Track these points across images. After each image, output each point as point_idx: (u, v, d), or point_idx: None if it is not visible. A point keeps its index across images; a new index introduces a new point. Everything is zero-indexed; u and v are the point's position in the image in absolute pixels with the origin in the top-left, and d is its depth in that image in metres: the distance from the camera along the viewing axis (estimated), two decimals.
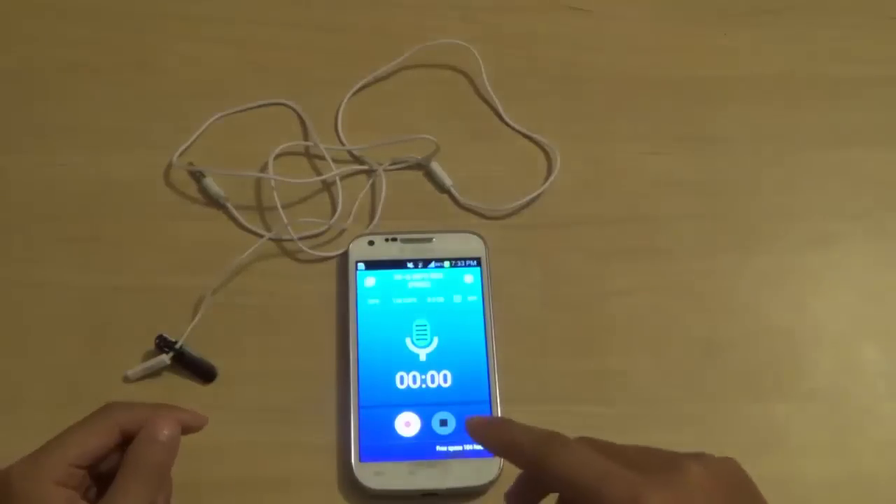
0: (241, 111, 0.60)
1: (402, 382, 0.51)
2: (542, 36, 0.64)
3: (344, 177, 0.58)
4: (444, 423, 0.50)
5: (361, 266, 0.54)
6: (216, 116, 0.59)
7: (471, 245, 0.55)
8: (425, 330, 0.53)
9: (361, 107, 0.61)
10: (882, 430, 0.53)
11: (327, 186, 0.58)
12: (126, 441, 0.43)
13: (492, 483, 0.49)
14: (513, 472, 0.49)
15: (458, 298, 0.54)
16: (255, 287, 0.54)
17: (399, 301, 0.53)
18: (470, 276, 0.54)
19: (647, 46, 0.64)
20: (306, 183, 0.57)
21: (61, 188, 0.57)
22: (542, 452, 0.36)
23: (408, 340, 0.52)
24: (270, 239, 0.55)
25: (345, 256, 0.55)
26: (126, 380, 0.51)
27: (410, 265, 0.54)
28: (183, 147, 0.58)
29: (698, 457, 0.36)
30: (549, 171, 0.59)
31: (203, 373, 0.52)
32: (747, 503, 0.36)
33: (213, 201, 0.57)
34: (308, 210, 0.57)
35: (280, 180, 0.56)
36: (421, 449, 0.50)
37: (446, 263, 0.54)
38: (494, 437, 0.38)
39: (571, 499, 0.36)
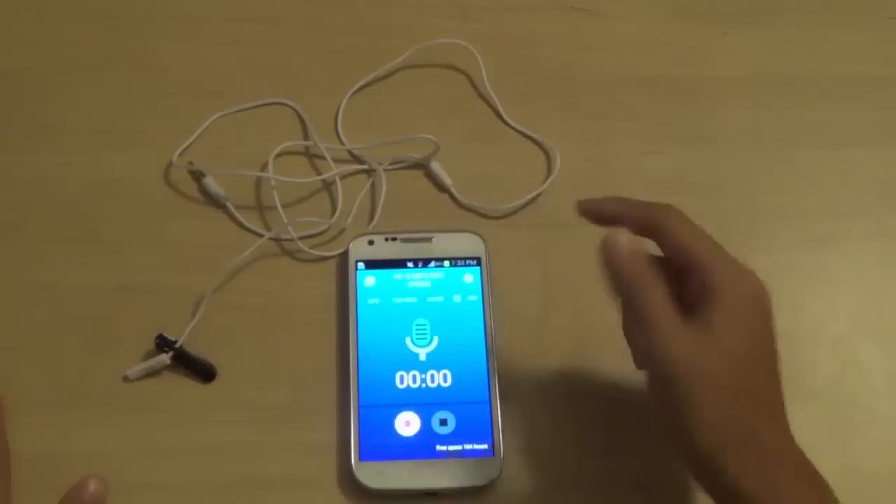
0: (241, 111, 0.60)
1: (401, 382, 0.51)
2: (542, 36, 0.64)
3: (344, 176, 0.58)
4: (443, 422, 0.50)
5: (361, 265, 0.54)
6: (216, 116, 0.59)
7: (471, 245, 0.55)
8: (425, 329, 0.53)
9: (361, 107, 0.61)
10: (882, 429, 0.53)
11: (327, 186, 0.58)
12: None
13: (492, 483, 0.49)
14: (513, 474, 0.50)
15: (457, 298, 0.54)
16: (254, 286, 0.54)
17: (399, 301, 0.53)
18: (470, 276, 0.54)
19: (647, 46, 0.64)
20: (306, 183, 0.57)
21: (61, 188, 0.57)
22: (663, 222, 0.44)
23: (408, 340, 0.52)
24: (270, 238, 0.55)
25: (345, 256, 0.55)
26: (126, 379, 0.51)
27: (410, 265, 0.54)
28: (183, 147, 0.58)
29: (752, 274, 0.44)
30: (549, 171, 0.59)
31: (203, 372, 0.52)
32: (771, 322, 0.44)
33: (213, 201, 0.57)
34: (308, 210, 0.57)
35: (280, 180, 0.56)
36: (421, 448, 0.50)
37: (446, 263, 0.54)
38: (609, 212, 0.46)
39: (680, 263, 0.44)
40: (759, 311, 0.43)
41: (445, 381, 0.51)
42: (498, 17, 0.64)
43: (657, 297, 0.43)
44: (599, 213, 0.47)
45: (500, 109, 0.61)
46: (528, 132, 0.60)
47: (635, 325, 0.46)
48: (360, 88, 0.61)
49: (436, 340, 0.52)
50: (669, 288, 0.43)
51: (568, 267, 0.56)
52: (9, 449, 0.46)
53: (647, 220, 0.45)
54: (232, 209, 0.57)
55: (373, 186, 0.58)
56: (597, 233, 0.57)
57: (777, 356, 0.44)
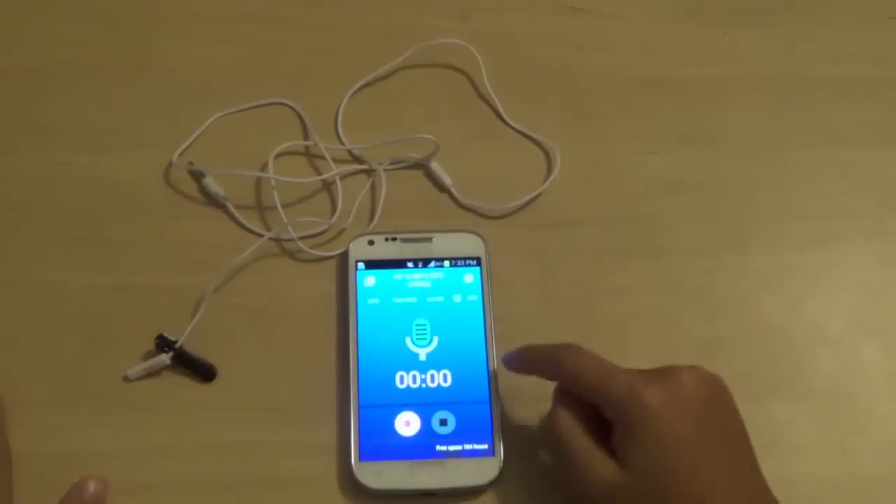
0: (241, 111, 0.60)
1: (401, 382, 0.51)
2: (542, 36, 0.64)
3: (344, 176, 0.58)
4: (443, 422, 0.50)
5: (361, 265, 0.54)
6: (216, 116, 0.59)
7: (471, 245, 0.55)
8: (425, 329, 0.53)
9: (361, 107, 0.61)
10: (882, 430, 0.53)
11: (327, 186, 0.58)
12: None
13: (492, 483, 0.49)
14: (512, 474, 0.50)
15: (457, 298, 0.54)
16: (254, 287, 0.54)
17: (399, 301, 0.53)
18: (470, 276, 0.54)
19: (648, 46, 0.64)
20: (306, 183, 0.57)
21: (61, 188, 0.57)
22: (556, 361, 0.46)
23: (408, 340, 0.52)
24: (270, 238, 0.55)
25: (345, 256, 0.55)
26: (126, 379, 0.51)
27: (410, 265, 0.54)
28: (183, 147, 0.58)
29: (691, 367, 0.45)
30: (549, 171, 0.59)
31: (203, 372, 0.52)
32: (723, 411, 0.45)
33: (213, 201, 0.57)
34: (308, 210, 0.57)
35: (280, 180, 0.56)
36: (421, 448, 0.50)
37: (446, 263, 0.54)
38: (521, 362, 0.49)
39: (585, 396, 0.45)
40: (662, 424, 0.43)
41: (445, 381, 0.51)
42: (498, 17, 0.65)
43: (582, 445, 0.45)
44: (516, 366, 0.49)
45: (500, 109, 0.61)
46: (528, 132, 0.60)
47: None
48: (360, 88, 0.61)
49: (436, 340, 0.52)
50: (593, 418, 0.45)
51: (568, 267, 0.56)
52: (10, 448, 0.46)
53: (545, 365, 0.48)
54: (232, 209, 0.57)
55: (373, 186, 0.58)
56: (596, 233, 0.57)
57: (725, 441, 0.44)
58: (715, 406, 0.45)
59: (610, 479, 0.43)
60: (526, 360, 0.49)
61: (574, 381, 0.46)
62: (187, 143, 0.58)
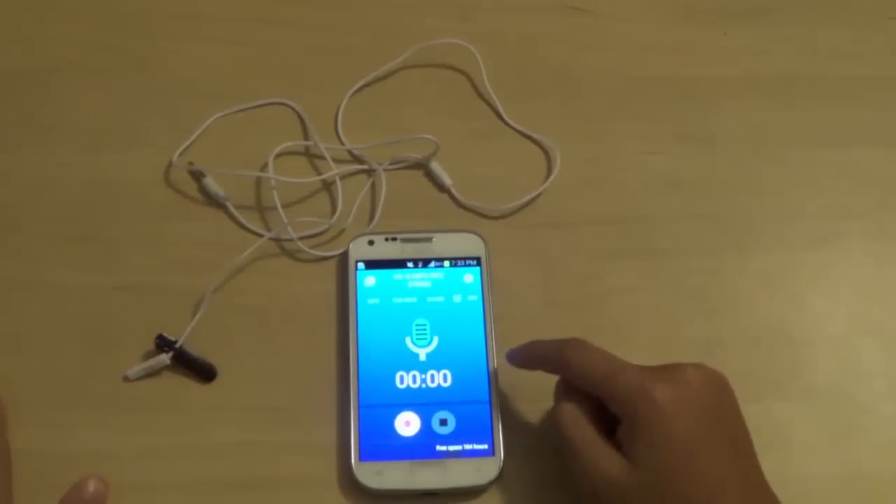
0: (241, 111, 0.60)
1: (401, 382, 0.51)
2: (542, 36, 0.64)
3: (344, 176, 0.58)
4: (443, 422, 0.50)
5: (361, 266, 0.54)
6: (216, 116, 0.59)
7: (471, 245, 0.55)
8: (425, 329, 0.53)
9: (361, 107, 0.61)
10: (882, 429, 0.53)
11: (327, 186, 0.58)
12: None
13: (492, 483, 0.49)
14: (512, 473, 0.50)
15: (457, 298, 0.54)
16: (254, 287, 0.54)
17: (399, 301, 0.53)
18: (470, 276, 0.54)
19: (647, 46, 0.64)
20: (306, 183, 0.57)
21: (61, 188, 0.57)
22: (563, 355, 0.46)
23: (408, 340, 0.52)
24: (270, 239, 0.55)
25: (345, 256, 0.55)
26: (126, 379, 0.51)
27: (410, 265, 0.54)
28: (183, 147, 0.58)
29: (696, 364, 0.45)
30: (549, 171, 0.59)
31: (203, 372, 0.52)
32: (726, 407, 0.45)
33: (213, 201, 0.57)
34: (308, 210, 0.57)
35: (280, 180, 0.56)
36: (421, 448, 0.50)
37: (446, 263, 0.54)
38: (527, 357, 0.49)
39: (591, 391, 0.45)
40: (669, 420, 0.43)
41: (445, 381, 0.51)
42: (498, 17, 0.64)
43: (587, 439, 0.45)
44: (520, 362, 0.50)
45: (500, 109, 0.61)
46: (528, 132, 0.60)
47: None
48: (360, 88, 0.61)
49: (436, 340, 0.52)
50: (597, 412, 0.46)
51: (568, 267, 0.56)
52: (10, 448, 0.46)
53: (551, 360, 0.48)
54: (232, 209, 0.57)
55: (373, 186, 0.58)
56: (596, 233, 0.57)
57: (729, 439, 0.44)
58: (719, 403, 0.45)
59: (615, 475, 0.43)
60: (531, 356, 0.49)
61: (581, 376, 0.46)
62: (187, 143, 0.58)
